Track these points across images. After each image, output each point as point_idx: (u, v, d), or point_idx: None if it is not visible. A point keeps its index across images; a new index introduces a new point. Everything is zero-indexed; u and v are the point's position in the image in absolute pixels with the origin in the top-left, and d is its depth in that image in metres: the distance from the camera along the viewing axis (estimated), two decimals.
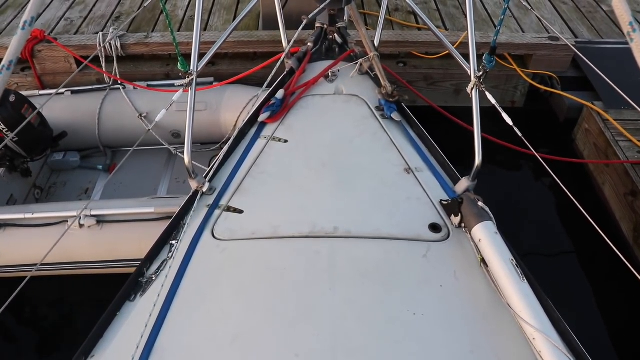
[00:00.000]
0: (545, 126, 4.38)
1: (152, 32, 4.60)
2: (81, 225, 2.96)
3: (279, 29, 3.10)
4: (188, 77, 2.15)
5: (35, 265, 2.78)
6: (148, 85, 3.98)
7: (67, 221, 2.96)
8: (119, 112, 3.94)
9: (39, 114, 3.59)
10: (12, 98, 3.33)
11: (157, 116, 2.15)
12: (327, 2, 2.76)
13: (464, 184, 2.10)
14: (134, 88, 4.00)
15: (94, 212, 2.99)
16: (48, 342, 3.29)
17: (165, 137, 3.84)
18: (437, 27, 4.77)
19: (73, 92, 4.01)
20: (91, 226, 2.98)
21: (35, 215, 3.02)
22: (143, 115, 3.87)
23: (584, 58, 2.39)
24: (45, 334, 3.34)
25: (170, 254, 1.92)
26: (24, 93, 3.74)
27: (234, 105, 3.83)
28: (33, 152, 3.59)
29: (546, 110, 4.44)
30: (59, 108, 3.90)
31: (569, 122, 4.23)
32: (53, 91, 3.75)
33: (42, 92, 4.07)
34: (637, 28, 1.24)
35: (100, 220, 3.00)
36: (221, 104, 3.87)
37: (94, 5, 5.21)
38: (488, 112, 2.25)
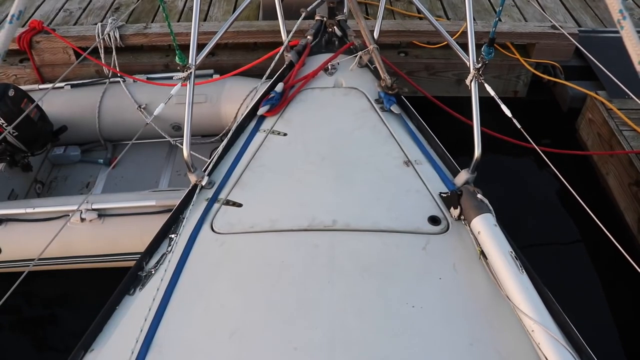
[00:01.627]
0: (548, 116, 4.34)
1: (152, 22, 4.58)
2: (82, 219, 2.97)
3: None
4: (186, 71, 2.14)
5: (37, 259, 2.78)
6: (147, 79, 3.97)
7: (69, 215, 2.96)
8: (119, 105, 3.93)
9: (39, 108, 3.58)
10: (11, 93, 3.32)
11: (156, 109, 2.15)
12: None
13: (463, 176, 2.09)
14: (134, 81, 3.98)
15: (95, 206, 2.99)
16: (49, 336, 3.31)
17: (166, 130, 3.83)
18: (439, 16, 4.74)
19: (73, 85, 4.01)
20: (92, 220, 2.98)
21: (37, 210, 3.02)
22: (142, 107, 3.86)
23: (584, 50, 2.37)
24: (46, 327, 3.36)
25: (170, 248, 1.92)
26: (24, 87, 3.73)
27: (234, 97, 3.82)
28: (33, 146, 3.59)
29: (549, 100, 4.40)
30: (59, 102, 3.90)
31: (572, 112, 4.20)
32: (52, 85, 3.75)
33: (41, 86, 4.06)
34: (627, 15, 1.22)
35: (102, 214, 3.00)
36: (221, 96, 3.86)
37: None
38: (489, 103, 2.23)
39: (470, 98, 2.15)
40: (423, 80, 4.33)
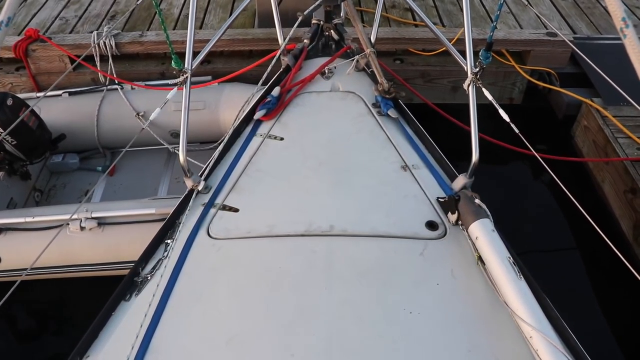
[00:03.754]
0: (543, 123, 4.36)
1: (148, 30, 4.59)
2: (82, 228, 2.95)
3: (274, 26, 3.08)
4: (182, 75, 2.14)
5: (38, 268, 2.76)
6: (145, 84, 3.96)
7: (68, 224, 2.94)
8: (117, 112, 3.92)
9: (37, 116, 3.58)
10: (9, 102, 3.32)
11: (152, 113, 2.14)
12: None
13: (461, 181, 2.09)
14: (132, 88, 3.98)
15: (94, 214, 2.98)
16: (49, 344, 3.29)
17: (164, 137, 3.82)
18: (434, 23, 4.75)
19: (70, 93, 4.00)
20: (92, 228, 2.96)
21: (36, 219, 3.01)
22: (140, 114, 3.86)
23: (582, 55, 2.37)
24: (46, 335, 3.34)
25: (166, 253, 1.91)
26: (21, 95, 3.73)
27: (232, 103, 3.81)
28: (32, 155, 3.59)
29: (545, 107, 4.42)
30: (57, 110, 3.89)
31: (567, 119, 4.21)
32: (50, 92, 3.74)
33: (39, 94, 4.07)
34: (630, 24, 1.22)
35: (101, 222, 2.99)
36: (220, 103, 3.86)
37: (89, 5, 5.19)
38: (486, 109, 2.23)
39: (466, 105, 2.15)
40: (419, 87, 4.35)
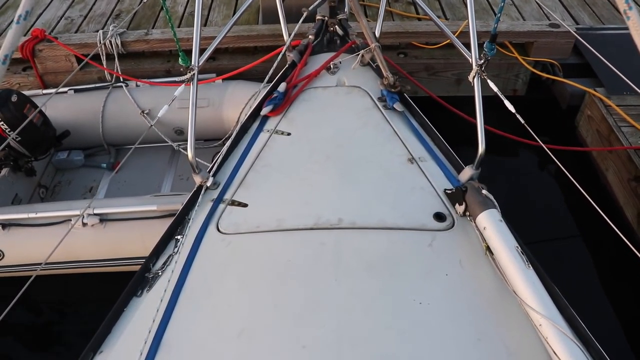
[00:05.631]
0: (547, 114, 4.36)
1: (152, 28, 4.60)
2: (84, 224, 2.97)
3: (278, 22, 3.09)
4: (189, 72, 2.15)
5: (40, 264, 2.79)
6: (150, 81, 3.98)
7: (71, 220, 2.96)
8: (122, 110, 3.94)
9: (42, 113, 3.59)
10: (14, 98, 3.34)
11: (159, 112, 2.16)
12: None
13: (467, 172, 2.10)
14: (137, 85, 4.00)
15: (97, 211, 2.99)
16: (54, 341, 3.30)
17: (168, 134, 3.84)
18: (438, 17, 4.76)
19: (76, 90, 4.01)
20: (94, 225, 2.98)
21: (39, 215, 3.03)
22: (145, 112, 3.87)
23: (586, 44, 2.38)
24: (51, 332, 3.35)
25: (176, 249, 1.93)
26: (27, 93, 3.74)
27: (236, 101, 3.82)
28: (36, 151, 3.60)
29: (548, 97, 4.42)
30: (63, 107, 3.91)
31: (571, 109, 4.22)
32: (55, 90, 3.76)
33: (45, 91, 4.07)
34: (633, 6, 1.23)
35: (103, 219, 3.00)
36: (224, 100, 3.87)
37: (94, 4, 5.22)
38: (490, 101, 2.24)
39: (470, 97, 2.16)
40: (423, 80, 4.35)
